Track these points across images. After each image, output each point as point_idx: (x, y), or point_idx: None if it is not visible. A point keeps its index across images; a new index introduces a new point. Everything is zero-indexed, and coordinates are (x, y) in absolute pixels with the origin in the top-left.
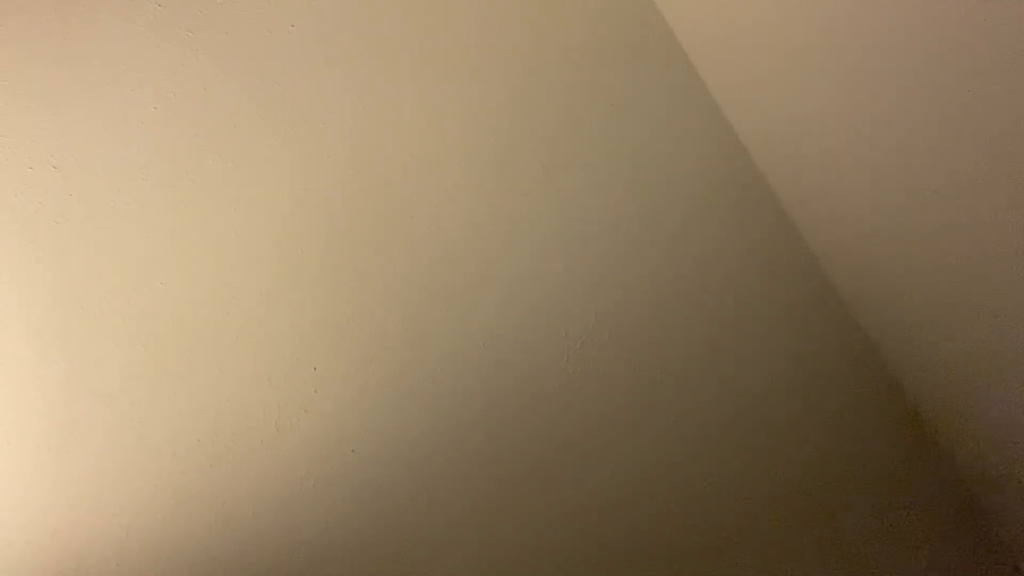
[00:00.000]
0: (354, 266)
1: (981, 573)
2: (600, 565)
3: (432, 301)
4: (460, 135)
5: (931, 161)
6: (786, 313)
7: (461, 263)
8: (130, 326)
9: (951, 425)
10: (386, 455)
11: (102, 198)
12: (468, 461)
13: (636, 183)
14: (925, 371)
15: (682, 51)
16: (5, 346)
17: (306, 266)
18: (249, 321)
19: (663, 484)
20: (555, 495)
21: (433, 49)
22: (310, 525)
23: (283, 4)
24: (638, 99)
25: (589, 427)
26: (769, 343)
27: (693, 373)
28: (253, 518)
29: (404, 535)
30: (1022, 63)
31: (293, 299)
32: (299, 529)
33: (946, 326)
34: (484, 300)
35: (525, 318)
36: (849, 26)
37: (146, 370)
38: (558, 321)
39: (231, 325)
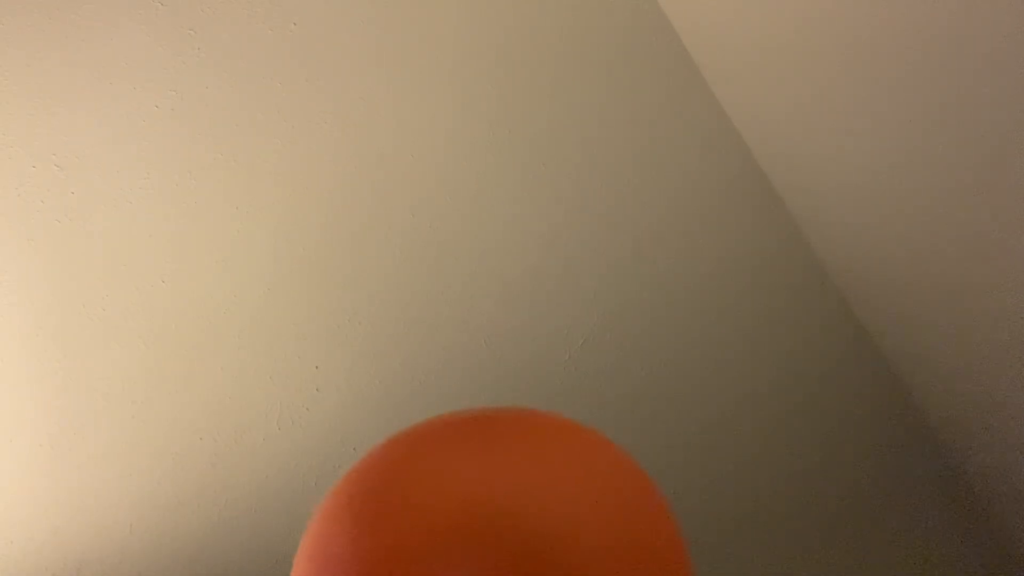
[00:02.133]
0: (356, 264)
1: (982, 567)
2: None
3: (433, 299)
4: (461, 133)
5: (935, 158)
6: (787, 311)
7: (462, 261)
8: (132, 324)
9: (953, 421)
10: None
11: (104, 196)
12: None
13: (637, 180)
14: (926, 367)
15: (683, 48)
16: (7, 344)
17: (308, 264)
18: (251, 319)
19: (664, 481)
20: None
21: (435, 48)
22: None
23: (284, 2)
24: (639, 96)
25: (590, 425)
26: (770, 341)
27: (694, 371)
28: (255, 516)
29: None
30: None
31: (295, 297)
32: (301, 527)
33: (948, 322)
34: (485, 298)
35: (526, 316)
36: (853, 23)
37: (148, 368)
38: (559, 319)
39: (233, 323)
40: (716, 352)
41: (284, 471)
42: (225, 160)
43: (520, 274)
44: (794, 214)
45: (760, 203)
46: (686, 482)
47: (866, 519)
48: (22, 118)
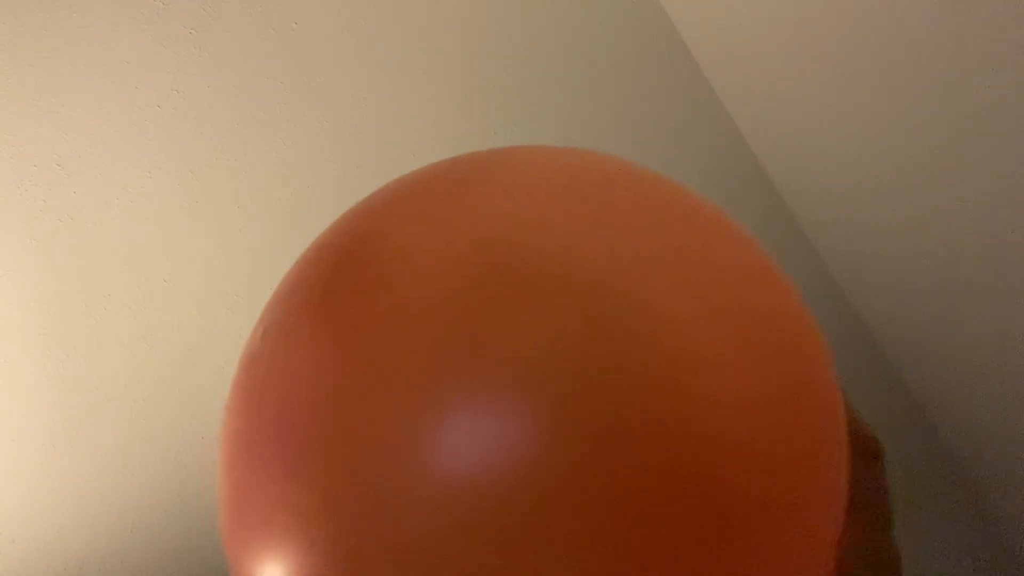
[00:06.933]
0: None
1: (982, 564)
2: None
3: None
4: (462, 132)
5: (937, 161)
6: None
7: None
8: (134, 324)
9: (954, 421)
10: None
11: (106, 196)
12: None
13: None
14: (928, 367)
15: (686, 49)
16: (8, 343)
17: None
18: (253, 318)
19: None
20: None
21: (436, 47)
22: None
23: (285, 2)
24: (642, 97)
25: None
26: None
27: None
28: None
29: None
30: None
31: None
32: None
33: (951, 324)
34: None
35: None
36: (856, 26)
37: (150, 367)
38: None
39: (235, 322)
40: None
41: None
42: (227, 159)
43: None
44: (797, 215)
45: (762, 204)
46: None
47: None
48: (23, 118)
